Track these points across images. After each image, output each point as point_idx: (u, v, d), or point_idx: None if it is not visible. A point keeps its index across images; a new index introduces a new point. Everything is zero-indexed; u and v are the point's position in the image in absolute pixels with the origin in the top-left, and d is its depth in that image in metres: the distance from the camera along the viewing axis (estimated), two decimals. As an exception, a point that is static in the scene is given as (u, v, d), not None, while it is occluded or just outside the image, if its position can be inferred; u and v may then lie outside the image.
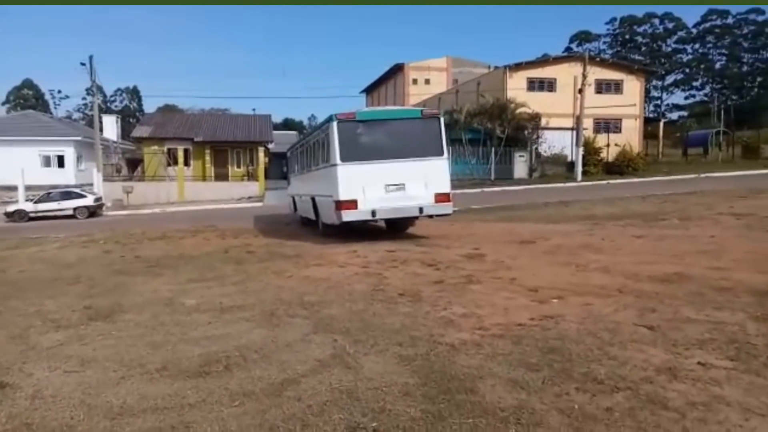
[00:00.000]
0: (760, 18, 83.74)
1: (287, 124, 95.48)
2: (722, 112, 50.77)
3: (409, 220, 13.56)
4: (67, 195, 28.48)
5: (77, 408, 4.02)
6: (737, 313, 5.75)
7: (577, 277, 7.98)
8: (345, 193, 11.99)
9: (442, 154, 12.51)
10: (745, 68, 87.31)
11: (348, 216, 12.11)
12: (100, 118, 46.53)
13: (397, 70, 65.85)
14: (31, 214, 27.24)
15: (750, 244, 10.23)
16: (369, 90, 79.31)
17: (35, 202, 27.99)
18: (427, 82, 62.63)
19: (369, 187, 11.96)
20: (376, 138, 12.32)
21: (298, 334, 5.55)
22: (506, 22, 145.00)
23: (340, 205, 12.05)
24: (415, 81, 64.00)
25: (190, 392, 4.18)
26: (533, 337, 5.20)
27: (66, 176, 37.66)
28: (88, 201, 28.32)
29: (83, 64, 30.12)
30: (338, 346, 5.12)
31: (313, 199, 15.10)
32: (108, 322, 6.42)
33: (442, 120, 12.84)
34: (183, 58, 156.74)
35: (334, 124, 12.19)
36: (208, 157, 39.41)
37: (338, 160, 12.03)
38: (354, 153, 12.04)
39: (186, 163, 38.36)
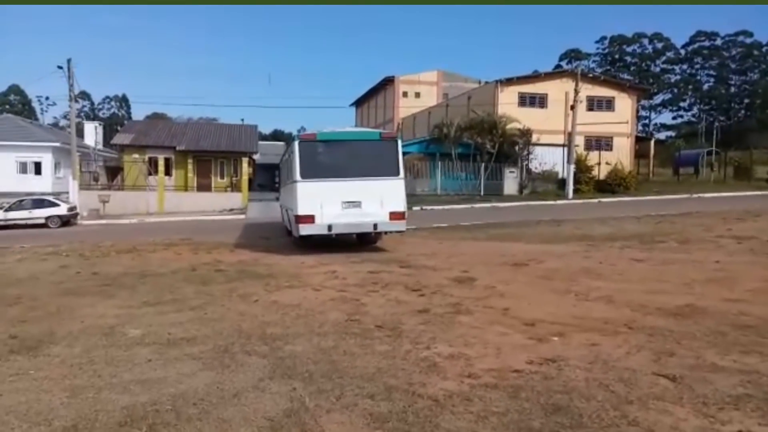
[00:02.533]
0: (748, 40, 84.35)
1: (276, 136, 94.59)
2: (710, 132, 50.60)
3: (377, 234, 13.98)
4: (40, 203, 27.25)
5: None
6: (769, 360, 4.91)
7: (578, 308, 7.12)
8: (303, 208, 12.57)
9: (398, 174, 13.00)
10: (732, 90, 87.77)
11: (305, 230, 12.68)
12: (82, 124, 45.45)
13: (387, 83, 65.15)
14: (1, 223, 25.98)
15: (760, 272, 9.47)
16: (358, 103, 78.59)
17: (5, 210, 26.70)
18: (417, 95, 61.90)
19: (327, 203, 12.51)
20: (335, 157, 12.94)
21: (251, 379, 4.61)
22: (497, 39, 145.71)
23: (299, 219, 12.63)
24: (405, 94, 63.26)
25: (97, 466, 3.24)
26: (533, 388, 4.30)
27: (43, 184, 36.29)
28: (61, 210, 27.11)
29: (60, 67, 28.95)
30: (296, 397, 4.19)
31: (287, 212, 15.55)
32: (30, 356, 5.43)
33: (399, 142, 13.49)
34: (174, 67, 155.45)
35: (296, 143, 12.95)
36: (190, 167, 38.26)
37: (299, 177, 12.66)
38: (314, 171, 12.66)
39: (167, 173, 37.14)
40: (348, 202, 12.62)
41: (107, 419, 3.88)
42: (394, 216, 12.82)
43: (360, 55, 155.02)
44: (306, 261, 12.04)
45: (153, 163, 37.05)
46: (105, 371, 4.91)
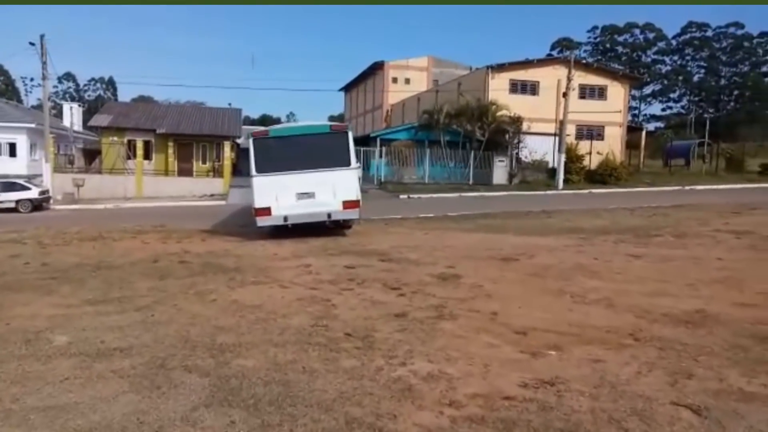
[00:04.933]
0: (739, 32, 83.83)
1: (264, 121, 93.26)
2: (700, 124, 50.06)
3: (350, 221, 14.28)
4: (10, 186, 25.99)
5: None
6: (805, 384, 4.14)
7: (574, 312, 6.33)
8: (260, 201, 13.22)
9: (349, 164, 13.49)
10: (722, 82, 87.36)
11: (262, 221, 13.35)
12: (60, 105, 43.93)
13: (377, 68, 63.83)
14: (-32, 207, 24.76)
15: (767, 271, 8.77)
16: (348, 88, 77.28)
17: (-25, 194, 25.47)
18: (407, 81, 60.73)
19: (281, 195, 13.12)
20: (288, 151, 13.33)
21: (182, 407, 3.75)
22: (488, 26, 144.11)
23: (256, 211, 13.32)
24: (395, 80, 62.03)
25: None
26: (529, 424, 3.49)
27: (18, 166, 34.95)
28: (33, 194, 25.90)
29: (32, 44, 27.49)
30: (234, 435, 3.36)
31: None
32: (-72, 371, 4.54)
33: (350, 134, 13.95)
34: (163, 50, 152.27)
35: (250, 140, 13.79)
36: (171, 151, 36.98)
37: (254, 172, 13.38)
38: (268, 165, 13.21)
39: (147, 157, 35.87)
40: (302, 193, 13.18)
41: (-17, 467, 3.02)
42: (348, 205, 13.30)
43: (351, 40, 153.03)
44: (280, 252, 11.21)
45: (132, 146, 35.83)
46: (7, 393, 4.03)
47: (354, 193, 13.46)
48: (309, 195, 13.20)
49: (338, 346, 5.04)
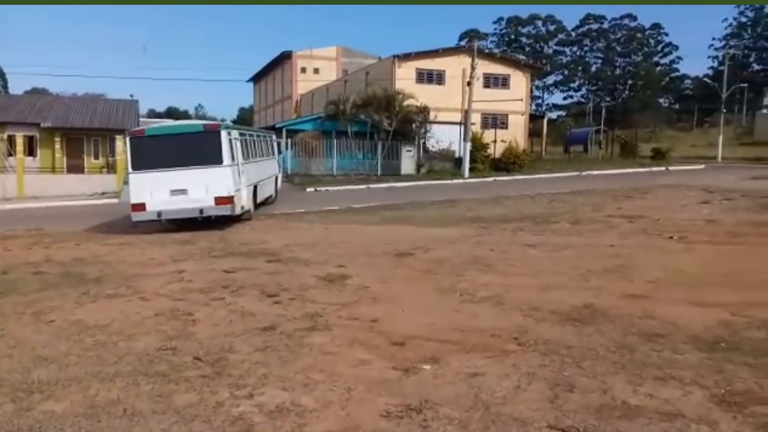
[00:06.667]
0: (633, 23, 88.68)
1: (171, 113, 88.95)
2: (598, 112, 52.46)
3: (232, 216, 14.33)
4: None
5: None
6: (692, 390, 3.84)
7: (461, 314, 5.87)
8: (135, 197, 13.61)
9: (221, 162, 13.81)
10: (617, 71, 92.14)
11: (137, 217, 13.67)
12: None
13: (285, 58, 62.27)
14: None
15: (657, 257, 8.79)
16: (256, 78, 75.04)
17: None
18: (316, 71, 59.60)
19: (156, 192, 13.48)
20: (163, 150, 13.68)
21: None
22: (396, 16, 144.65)
23: (131, 207, 13.69)
24: (303, 70, 60.73)
25: None
26: (381, 470, 2.91)
27: None
28: None
29: None
30: None
31: None
32: None
33: (222, 133, 14.13)
34: (62, 38, 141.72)
35: (127, 139, 14.32)
36: (58, 146, 34.13)
37: (130, 169, 13.83)
38: (144, 163, 13.60)
39: (31, 153, 32.94)
40: (175, 190, 13.49)
41: None
42: (220, 201, 13.57)
43: (260, 29, 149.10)
44: (159, 256, 10.15)
45: (13, 142, 32.67)
46: None
47: (226, 189, 13.68)
48: (182, 191, 13.52)
49: (180, 375, 4.25)
